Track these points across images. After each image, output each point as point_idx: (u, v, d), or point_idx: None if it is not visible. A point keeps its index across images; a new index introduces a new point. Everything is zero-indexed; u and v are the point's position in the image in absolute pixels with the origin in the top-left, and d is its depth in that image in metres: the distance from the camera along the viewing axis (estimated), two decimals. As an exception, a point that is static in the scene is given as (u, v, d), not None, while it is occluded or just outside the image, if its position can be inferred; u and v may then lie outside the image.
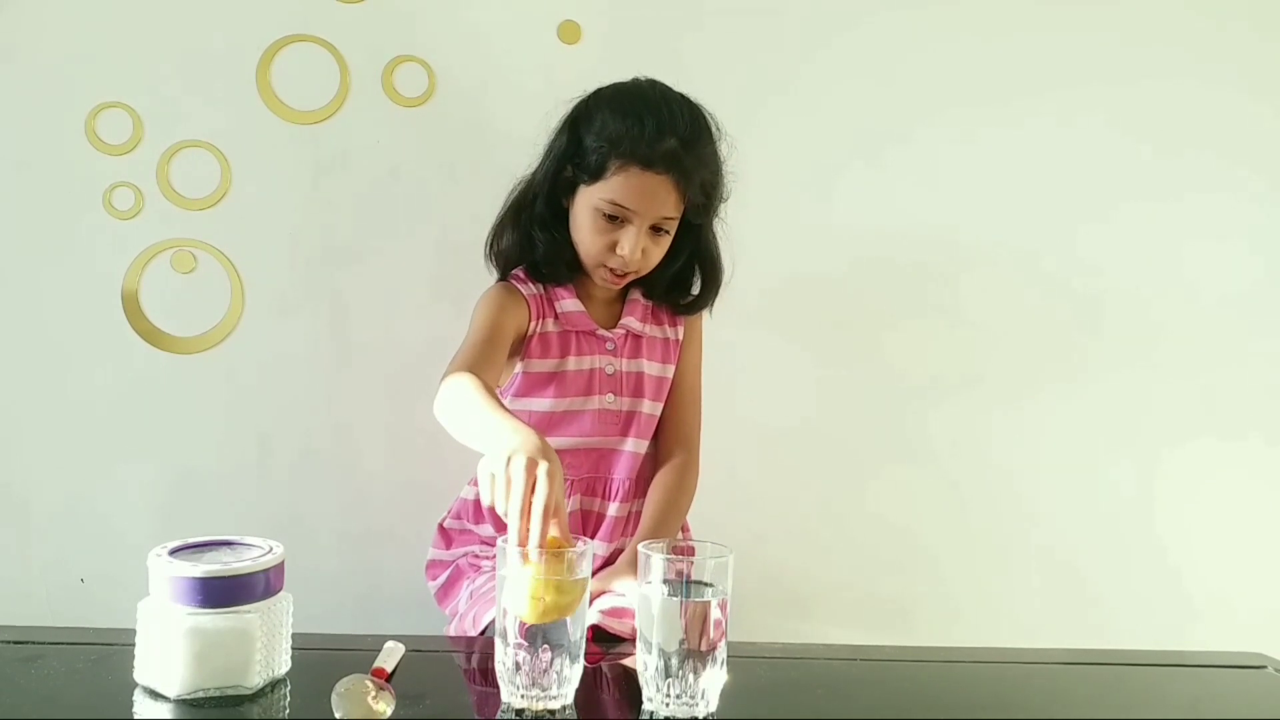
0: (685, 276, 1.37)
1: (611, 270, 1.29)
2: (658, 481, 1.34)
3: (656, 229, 1.27)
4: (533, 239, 1.32)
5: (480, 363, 1.19)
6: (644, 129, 1.23)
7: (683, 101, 1.27)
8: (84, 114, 1.45)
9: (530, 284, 1.33)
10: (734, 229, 1.52)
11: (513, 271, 1.35)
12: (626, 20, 1.52)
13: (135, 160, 1.46)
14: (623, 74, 1.40)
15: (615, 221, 1.25)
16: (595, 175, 1.25)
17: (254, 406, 1.50)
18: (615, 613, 1.11)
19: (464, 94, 1.50)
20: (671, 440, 1.38)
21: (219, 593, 0.82)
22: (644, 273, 1.31)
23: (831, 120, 1.55)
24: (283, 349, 1.50)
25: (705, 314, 1.42)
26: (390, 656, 0.89)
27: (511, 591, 0.83)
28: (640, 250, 1.25)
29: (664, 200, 1.24)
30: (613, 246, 1.26)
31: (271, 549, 0.87)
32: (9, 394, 1.47)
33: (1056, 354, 1.60)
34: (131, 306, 1.48)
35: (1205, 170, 1.60)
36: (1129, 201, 1.59)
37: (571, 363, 1.32)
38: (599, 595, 1.15)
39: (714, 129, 1.29)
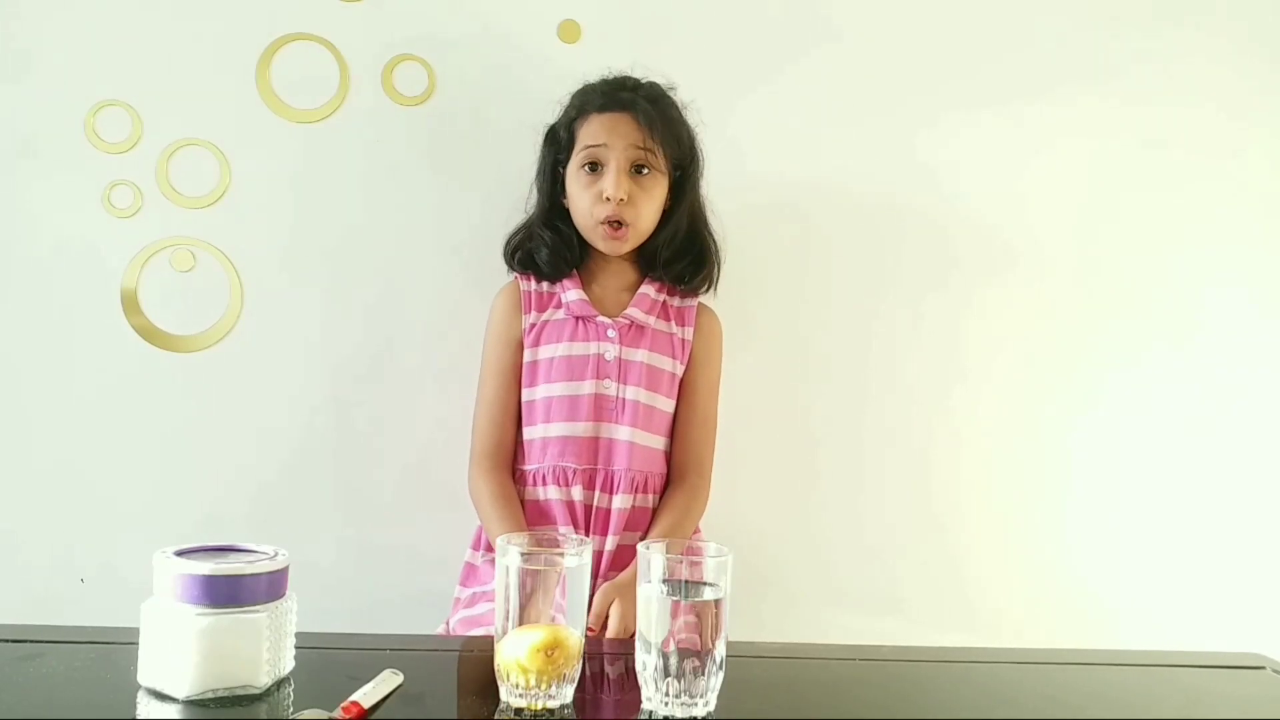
0: (688, 249, 1.41)
1: (608, 225, 1.33)
2: (665, 503, 1.37)
3: (638, 169, 1.33)
4: (538, 239, 1.39)
5: (499, 427, 1.37)
6: (598, 88, 1.37)
7: (639, 77, 1.39)
8: (84, 112, 1.45)
9: (533, 281, 1.41)
10: (738, 229, 1.52)
11: (519, 272, 1.42)
12: (626, 20, 1.52)
13: (135, 158, 1.46)
14: (622, 73, 1.40)
15: (596, 171, 1.33)
16: (570, 144, 1.36)
17: (253, 405, 1.50)
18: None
19: (464, 94, 1.50)
20: (684, 462, 1.40)
21: (230, 593, 0.82)
22: (639, 227, 1.35)
23: (829, 117, 1.55)
24: (281, 347, 1.50)
25: (720, 325, 1.45)
26: (380, 687, 0.84)
27: (509, 647, 0.83)
28: (624, 189, 1.31)
29: (629, 132, 1.32)
30: (600, 196, 1.32)
31: (276, 553, 0.87)
32: (8, 392, 1.47)
33: (1059, 351, 1.60)
34: (130, 304, 1.48)
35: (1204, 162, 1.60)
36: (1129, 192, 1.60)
37: (575, 348, 1.37)
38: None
39: (676, 100, 1.39)
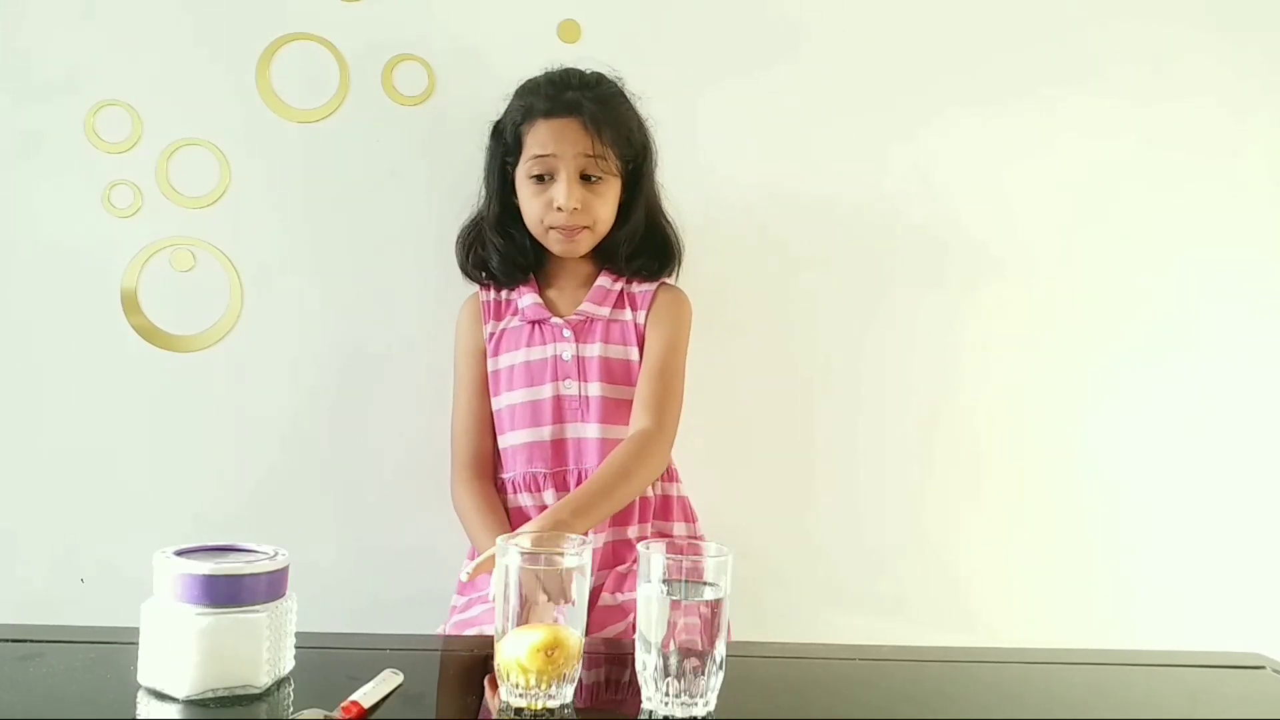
0: (649, 243, 1.40)
1: (560, 231, 1.33)
2: (616, 449, 1.30)
3: (587, 177, 1.32)
4: (490, 245, 1.38)
5: (475, 437, 1.38)
6: (541, 90, 1.34)
7: (584, 70, 1.36)
8: (84, 112, 1.45)
9: (492, 290, 1.41)
10: (734, 229, 1.52)
11: (475, 280, 1.43)
12: (626, 20, 1.52)
13: (135, 158, 1.46)
14: (622, 73, 1.40)
15: (546, 181, 1.32)
16: (517, 149, 1.34)
17: (252, 405, 1.50)
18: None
19: (464, 94, 1.50)
20: (637, 412, 1.34)
21: (230, 593, 0.82)
22: (597, 229, 1.35)
23: (826, 116, 1.55)
24: (281, 347, 1.50)
25: (687, 300, 1.42)
26: (380, 687, 0.84)
27: (507, 649, 0.82)
28: (576, 199, 1.30)
29: (578, 140, 1.30)
30: (551, 205, 1.31)
31: (276, 553, 0.87)
32: (8, 392, 1.47)
33: (1057, 350, 1.60)
34: (130, 305, 1.48)
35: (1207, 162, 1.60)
36: (1131, 198, 1.60)
37: (533, 353, 1.37)
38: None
39: (624, 91, 1.37)
